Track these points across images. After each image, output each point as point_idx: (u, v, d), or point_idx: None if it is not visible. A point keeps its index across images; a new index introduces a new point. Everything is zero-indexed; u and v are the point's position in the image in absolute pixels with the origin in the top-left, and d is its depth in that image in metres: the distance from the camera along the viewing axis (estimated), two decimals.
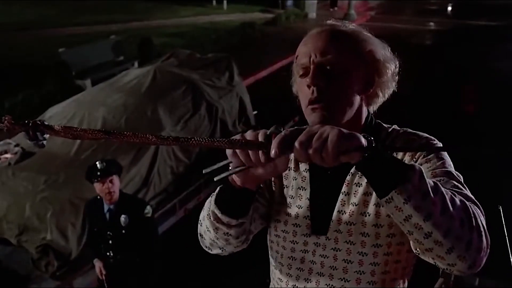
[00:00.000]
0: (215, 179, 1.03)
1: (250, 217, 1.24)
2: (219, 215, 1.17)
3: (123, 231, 3.21)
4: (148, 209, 3.28)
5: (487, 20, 17.82)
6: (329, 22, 1.23)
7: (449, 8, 22.44)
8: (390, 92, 1.26)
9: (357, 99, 1.20)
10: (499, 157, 5.33)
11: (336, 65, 1.16)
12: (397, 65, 1.25)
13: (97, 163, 3.19)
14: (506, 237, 2.39)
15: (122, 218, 3.18)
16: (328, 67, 1.16)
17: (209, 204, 1.20)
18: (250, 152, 0.99)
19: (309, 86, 1.16)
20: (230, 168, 1.05)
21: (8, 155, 4.73)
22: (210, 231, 1.22)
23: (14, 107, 7.66)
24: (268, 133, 0.97)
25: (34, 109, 7.02)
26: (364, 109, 1.24)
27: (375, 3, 22.21)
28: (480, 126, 7.32)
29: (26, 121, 0.88)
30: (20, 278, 4.10)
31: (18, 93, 8.05)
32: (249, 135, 1.01)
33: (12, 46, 11.62)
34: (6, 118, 0.85)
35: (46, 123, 0.89)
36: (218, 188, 1.18)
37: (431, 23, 18.22)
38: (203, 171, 1.04)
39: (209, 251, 1.32)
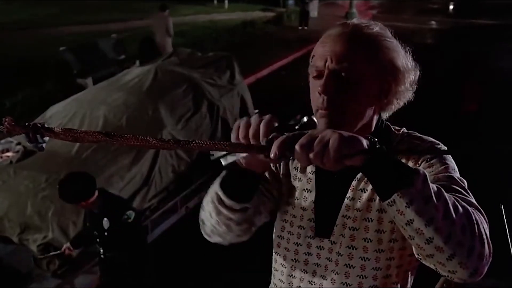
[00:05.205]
0: (214, 156, 1.02)
1: (255, 207, 1.23)
2: (223, 197, 1.16)
3: (106, 233, 3.22)
4: (129, 214, 3.23)
5: (489, 19, 17.80)
6: (353, 21, 1.18)
7: (451, 7, 22.43)
8: (406, 100, 1.23)
9: (369, 107, 1.17)
10: (501, 156, 5.32)
11: (351, 73, 1.12)
12: (417, 74, 1.21)
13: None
14: (508, 235, 2.39)
15: (104, 221, 3.19)
16: (342, 74, 1.12)
17: (214, 188, 1.19)
18: (250, 134, 0.99)
19: (319, 93, 1.14)
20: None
21: (9, 154, 4.74)
22: (212, 216, 1.21)
23: (15, 106, 7.66)
24: (270, 137, 0.96)
25: (34, 108, 7.01)
26: (376, 116, 1.22)
27: (376, 2, 22.21)
28: (481, 125, 7.31)
29: (27, 123, 0.87)
30: (22, 276, 4.10)
31: (19, 92, 8.05)
32: (254, 120, 1.01)
33: (12, 45, 11.61)
34: (7, 119, 0.85)
35: (46, 125, 0.88)
36: (224, 171, 1.18)
37: (433, 22, 18.23)
38: (211, 158, 1.03)
39: (209, 239, 1.30)
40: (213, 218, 1.21)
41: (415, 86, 1.22)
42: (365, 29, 1.15)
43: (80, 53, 9.19)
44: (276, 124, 0.99)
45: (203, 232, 1.30)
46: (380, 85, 1.16)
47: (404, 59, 1.17)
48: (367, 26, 1.16)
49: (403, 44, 1.21)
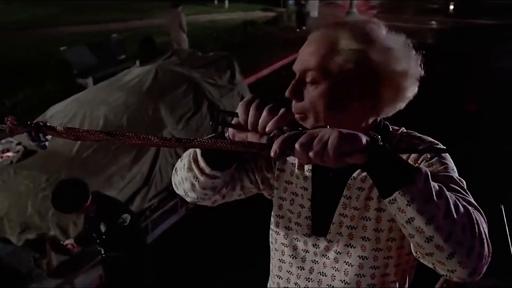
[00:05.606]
0: (208, 109, 1.04)
1: (228, 179, 1.26)
2: (199, 156, 1.18)
3: (104, 237, 3.25)
4: (124, 218, 3.22)
5: (489, 19, 17.80)
6: (335, 23, 1.15)
7: (451, 7, 22.44)
8: (409, 98, 1.17)
9: (350, 110, 1.14)
10: (501, 156, 5.32)
11: (320, 79, 1.11)
12: (414, 69, 1.14)
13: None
14: (508, 235, 2.39)
15: (101, 225, 3.21)
16: (310, 80, 1.12)
17: None
18: (260, 126, 1.00)
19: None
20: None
21: (10, 154, 4.74)
22: (184, 169, 1.23)
23: (15, 106, 7.67)
24: (271, 135, 0.97)
25: (34, 108, 7.02)
26: (366, 117, 1.18)
27: (376, 2, 22.22)
28: (481, 125, 7.31)
29: (29, 122, 0.88)
30: (22, 276, 4.10)
31: (19, 92, 8.06)
32: (271, 106, 1.01)
33: (12, 45, 11.62)
34: (9, 118, 0.85)
35: (48, 124, 0.89)
36: (213, 134, 1.20)
37: (433, 22, 18.23)
38: (215, 108, 1.05)
39: (176, 190, 1.33)
40: (184, 171, 1.24)
41: (417, 83, 1.17)
42: (343, 30, 1.12)
43: (81, 53, 9.20)
44: (291, 119, 1.00)
45: (172, 181, 1.33)
46: (360, 89, 1.12)
47: (393, 60, 1.11)
48: (351, 26, 1.13)
49: (399, 37, 1.15)
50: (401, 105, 1.19)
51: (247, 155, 1.30)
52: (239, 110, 1.04)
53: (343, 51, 1.11)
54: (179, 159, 1.28)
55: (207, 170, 1.17)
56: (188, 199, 1.32)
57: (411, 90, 1.17)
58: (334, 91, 1.11)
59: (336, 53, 1.11)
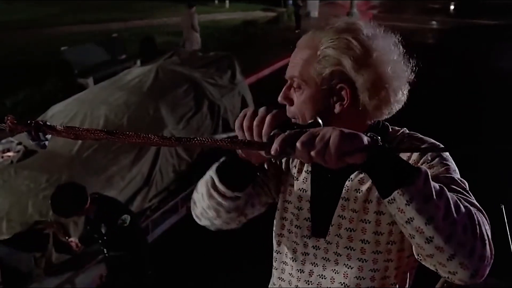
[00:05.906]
0: (214, 136, 1.04)
1: (248, 197, 1.26)
2: (217, 182, 1.18)
3: (105, 237, 3.25)
4: (124, 219, 3.21)
5: (489, 19, 17.79)
6: (322, 27, 1.15)
7: (452, 7, 22.43)
8: (399, 101, 1.16)
9: (337, 114, 1.13)
10: (501, 156, 5.32)
11: (303, 85, 1.14)
12: (400, 72, 1.13)
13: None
14: (509, 235, 2.39)
15: (102, 226, 3.21)
16: (296, 86, 1.15)
17: (210, 171, 1.22)
18: (254, 125, 1.00)
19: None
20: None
21: (10, 154, 4.74)
22: (204, 198, 1.23)
23: (16, 106, 7.67)
24: (271, 133, 0.97)
25: (35, 107, 7.03)
26: (358, 120, 1.16)
27: (377, 1, 22.22)
28: (482, 125, 7.30)
29: (29, 121, 0.87)
30: (22, 276, 4.10)
31: (20, 92, 8.06)
32: (261, 111, 1.02)
33: (13, 45, 11.62)
34: (9, 117, 0.85)
35: (48, 123, 0.88)
36: (222, 158, 1.20)
37: (434, 22, 18.22)
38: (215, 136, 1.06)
39: (198, 221, 1.33)
40: (204, 201, 1.24)
41: (398, 92, 1.15)
42: (325, 35, 1.12)
43: (81, 53, 9.20)
44: (283, 120, 1.00)
45: (193, 214, 1.33)
46: (331, 95, 1.13)
47: (371, 66, 1.10)
48: (331, 32, 1.12)
49: (395, 46, 1.15)
50: (392, 108, 1.17)
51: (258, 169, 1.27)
52: (236, 128, 1.05)
53: (322, 58, 1.11)
54: (195, 191, 1.28)
55: (229, 193, 1.18)
56: (213, 228, 1.32)
57: (398, 94, 1.15)
58: (317, 97, 1.13)
59: (316, 60, 1.12)
